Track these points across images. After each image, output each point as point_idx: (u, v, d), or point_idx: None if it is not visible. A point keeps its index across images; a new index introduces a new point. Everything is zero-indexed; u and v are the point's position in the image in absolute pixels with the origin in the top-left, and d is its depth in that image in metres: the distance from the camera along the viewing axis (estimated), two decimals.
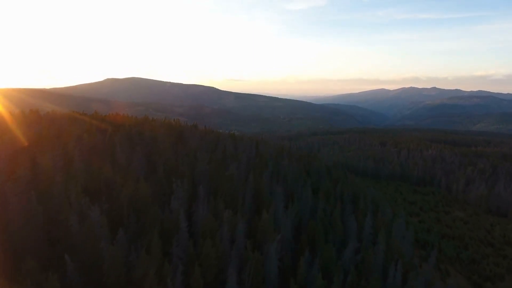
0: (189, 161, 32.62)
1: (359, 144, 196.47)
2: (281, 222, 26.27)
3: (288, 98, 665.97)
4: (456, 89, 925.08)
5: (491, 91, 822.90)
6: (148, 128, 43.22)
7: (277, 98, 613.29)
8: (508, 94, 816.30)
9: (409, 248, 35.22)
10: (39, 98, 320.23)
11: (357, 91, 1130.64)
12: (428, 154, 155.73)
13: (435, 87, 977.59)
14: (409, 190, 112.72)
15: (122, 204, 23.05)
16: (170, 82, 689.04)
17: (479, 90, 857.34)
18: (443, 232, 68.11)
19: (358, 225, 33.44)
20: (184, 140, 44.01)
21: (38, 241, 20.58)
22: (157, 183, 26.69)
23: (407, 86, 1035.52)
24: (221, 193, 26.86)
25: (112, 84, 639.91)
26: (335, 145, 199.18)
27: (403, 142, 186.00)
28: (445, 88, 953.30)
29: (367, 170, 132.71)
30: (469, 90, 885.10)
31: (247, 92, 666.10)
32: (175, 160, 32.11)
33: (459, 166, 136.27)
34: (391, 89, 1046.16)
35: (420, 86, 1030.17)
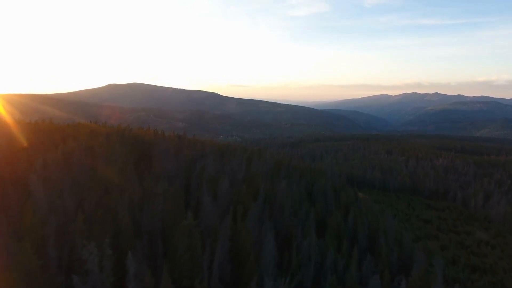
0: (137, 198, 22.62)
1: (364, 151, 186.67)
2: None
3: (289, 103, 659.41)
4: (458, 95, 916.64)
5: (494, 97, 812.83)
6: (100, 143, 32.68)
7: (279, 103, 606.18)
8: (511, 99, 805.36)
9: None
10: (41, 103, 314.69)
11: (358, 97, 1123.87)
12: (439, 164, 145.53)
13: (437, 93, 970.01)
14: (422, 205, 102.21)
15: None
16: (172, 88, 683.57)
17: (482, 96, 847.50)
18: (471, 263, 57.54)
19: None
20: (151, 159, 34.29)
21: None
22: (65, 246, 16.79)
23: (409, 91, 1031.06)
24: (173, 259, 16.86)
25: (114, 89, 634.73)
26: (339, 153, 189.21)
27: (411, 149, 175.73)
28: (448, 94, 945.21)
29: (374, 182, 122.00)
30: (471, 95, 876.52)
31: (249, 98, 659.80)
32: (114, 197, 21.97)
33: (474, 177, 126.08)
34: (393, 95, 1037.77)
35: (422, 92, 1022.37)
